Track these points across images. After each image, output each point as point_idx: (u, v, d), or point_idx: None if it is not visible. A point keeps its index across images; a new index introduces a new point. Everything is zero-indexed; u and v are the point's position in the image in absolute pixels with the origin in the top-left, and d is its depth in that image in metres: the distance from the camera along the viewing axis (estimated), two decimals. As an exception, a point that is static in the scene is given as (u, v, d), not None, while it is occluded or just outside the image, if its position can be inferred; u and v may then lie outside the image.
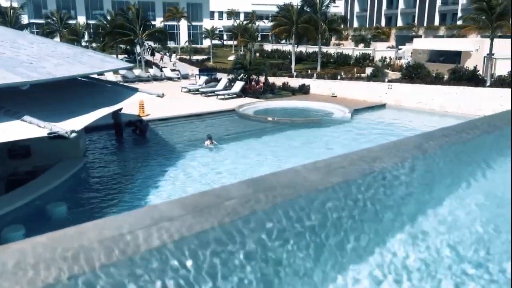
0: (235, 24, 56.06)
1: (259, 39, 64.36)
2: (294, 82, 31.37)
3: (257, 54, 52.39)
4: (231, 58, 44.49)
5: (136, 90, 14.66)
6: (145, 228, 2.28)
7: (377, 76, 31.66)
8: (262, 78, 30.48)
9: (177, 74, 38.25)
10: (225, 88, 28.70)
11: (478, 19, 27.92)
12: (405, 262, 2.52)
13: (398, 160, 3.12)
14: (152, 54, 52.75)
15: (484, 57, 30.66)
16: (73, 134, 8.74)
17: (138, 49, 42.64)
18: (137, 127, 18.06)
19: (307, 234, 2.48)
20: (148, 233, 2.24)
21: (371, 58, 43.47)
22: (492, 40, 27.84)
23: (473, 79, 26.67)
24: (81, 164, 13.25)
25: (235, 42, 60.73)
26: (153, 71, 38.23)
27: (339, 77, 32.16)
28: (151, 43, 50.24)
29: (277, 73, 35.35)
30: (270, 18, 55.05)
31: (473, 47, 34.25)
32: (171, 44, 67.05)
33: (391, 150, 3.35)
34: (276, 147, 16.38)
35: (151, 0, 71.40)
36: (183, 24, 68.79)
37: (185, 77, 37.97)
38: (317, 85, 30.51)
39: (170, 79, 37.30)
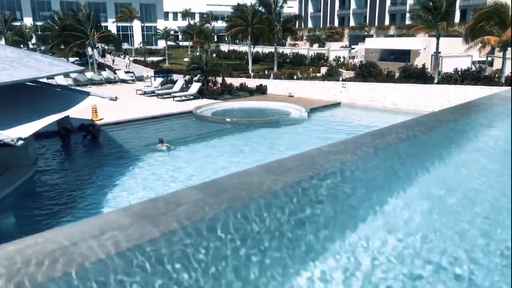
0: (190, 24, 55.53)
1: (215, 39, 64.05)
2: (252, 83, 31.47)
3: (214, 55, 52.15)
4: (187, 59, 44.00)
5: (87, 93, 14.16)
6: (92, 239, 2.18)
7: (332, 75, 32.36)
8: (219, 79, 30.37)
9: (132, 76, 37.37)
10: (182, 89, 28.35)
11: (425, 18, 29.13)
12: (355, 262, 2.55)
13: (348, 160, 3.17)
14: (103, 56, 51.38)
15: (432, 55, 32.06)
16: (20, 142, 8.33)
17: (89, 51, 41.27)
18: (89, 132, 17.43)
19: (258, 239, 2.46)
20: (94, 244, 2.14)
21: (325, 57, 44.35)
22: (438, 39, 29.14)
23: (422, 76, 27.80)
24: (30, 173, 12.65)
25: (191, 43, 60.14)
26: (106, 73, 37.14)
27: (295, 77, 32.57)
28: (103, 44, 48.84)
29: (235, 73, 35.34)
30: (225, 19, 54.95)
31: (421, 46, 35.72)
32: (124, 45, 65.48)
33: (341, 149, 3.40)
34: (235, 148, 16.34)
35: (102, 1, 69.38)
36: (137, 25, 67.38)
37: (140, 79, 37.18)
38: (274, 85, 30.76)
39: (124, 81, 36.37)
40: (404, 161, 3.74)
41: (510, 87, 15.83)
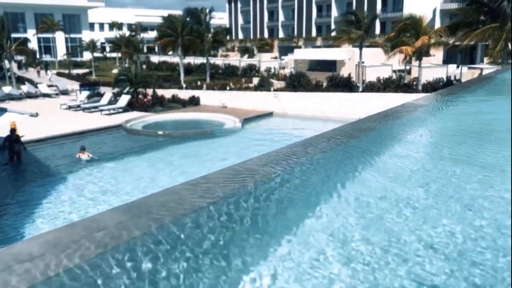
0: (118, 35, 53.88)
1: (145, 51, 62.67)
2: (184, 94, 31.12)
3: (144, 67, 50.94)
4: (116, 71, 42.53)
5: (4, 110, 13.12)
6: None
7: (264, 86, 32.94)
8: (150, 91, 29.66)
9: (55, 90, 35.33)
10: (110, 102, 27.30)
11: (348, 31, 30.71)
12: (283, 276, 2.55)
13: (277, 171, 3.19)
14: (19, 68, 48.35)
15: (356, 65, 33.81)
16: None
17: (6, 64, 38.46)
18: (14, 152, 15.89)
19: (184, 260, 2.37)
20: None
21: (257, 68, 45.08)
22: (361, 50, 30.81)
23: (348, 85, 29.21)
24: None
25: (119, 55, 58.34)
26: (26, 87, 34.77)
27: (228, 88, 32.72)
28: (23, 57, 45.88)
29: (166, 85, 34.74)
30: (155, 30, 54.02)
31: (346, 56, 37.54)
32: (46, 57, 61.96)
33: (271, 160, 3.41)
34: (168, 162, 15.95)
35: (20, 11, 65.19)
36: (60, 36, 64.06)
37: (65, 93, 35.25)
38: (207, 96, 30.66)
39: (47, 95, 34.26)
40: (332, 169, 3.84)
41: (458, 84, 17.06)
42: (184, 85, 34.96)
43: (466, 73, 30.43)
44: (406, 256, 2.68)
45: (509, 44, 25.09)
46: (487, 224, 3.20)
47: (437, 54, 38.56)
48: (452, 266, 2.61)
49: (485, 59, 36.30)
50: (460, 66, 33.48)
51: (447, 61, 40.72)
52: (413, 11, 30.10)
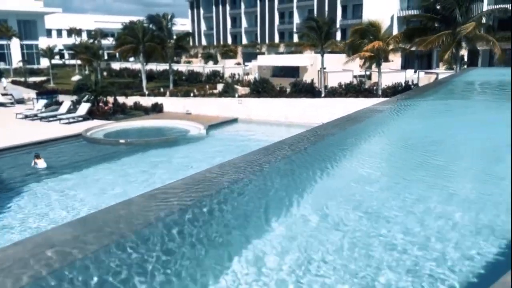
0: (77, 42, 52.44)
1: (105, 57, 61.27)
2: (147, 101, 30.58)
3: (105, 74, 49.79)
4: (75, 78, 41.32)
5: (-48, 121, 12.40)
6: None
7: (228, 92, 32.90)
8: (111, 99, 28.95)
9: (10, 99, 33.86)
10: (69, 111, 26.43)
11: (311, 36, 31.23)
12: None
13: (235, 179, 3.15)
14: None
15: (318, 71, 34.39)
16: None
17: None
18: None
19: (138, 274, 2.29)
20: None
21: (221, 74, 45.02)
22: (322, 56, 31.38)
23: (311, 90, 29.65)
24: None
25: (79, 62, 56.75)
26: (-22, 96, 33.14)
27: (192, 95, 32.44)
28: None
29: (128, 92, 34.02)
30: (115, 36, 52.97)
31: (309, 62, 38.12)
32: (1, 65, 59.53)
33: (231, 168, 3.38)
34: (129, 172, 15.54)
35: (-29, 16, 62.30)
36: (15, 43, 61.58)
37: (20, 101, 33.85)
38: (170, 103, 30.26)
39: (1, 105, 32.77)
40: (292, 176, 3.84)
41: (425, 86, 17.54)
42: (146, 92, 34.38)
43: (423, 77, 31.59)
44: (366, 257, 2.71)
45: (462, 50, 26.29)
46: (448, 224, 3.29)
47: (396, 60, 39.85)
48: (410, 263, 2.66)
49: (441, 64, 37.87)
50: (417, 71, 34.73)
51: (405, 66, 42.13)
52: (372, 18, 31.02)
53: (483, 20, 27.47)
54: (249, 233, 2.95)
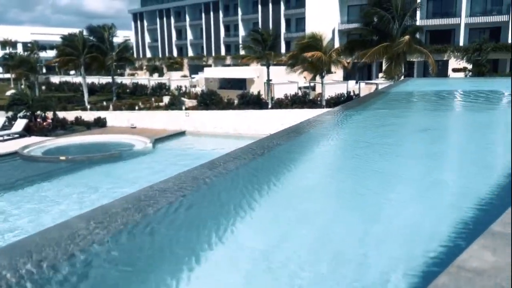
0: (10, 54, 49.60)
1: (43, 71, 58.44)
2: (89, 116, 29.41)
3: (43, 88, 47.46)
4: (10, 93, 38.98)
5: None
6: None
7: (175, 104, 32.44)
8: (50, 114, 27.57)
9: None
10: (4, 128, 24.84)
11: (255, 49, 31.64)
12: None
13: (178, 196, 3.04)
14: None
15: (264, 83, 34.84)
16: None
17: None
18: None
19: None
20: None
21: (167, 87, 44.36)
22: (268, 68, 31.86)
23: (258, 102, 29.93)
24: None
25: (14, 75, 53.68)
26: None
27: (137, 108, 31.65)
28: None
29: (68, 107, 32.60)
30: (54, 49, 50.71)
31: (255, 74, 38.55)
32: None
33: (174, 184, 3.26)
34: (71, 190, 14.76)
35: None
36: None
37: None
38: (114, 117, 29.30)
39: None
40: (237, 190, 3.79)
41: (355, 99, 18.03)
42: (88, 106, 33.11)
43: (364, 88, 32.93)
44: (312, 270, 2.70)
45: (399, 61, 27.75)
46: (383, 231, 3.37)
47: (338, 71, 41.28)
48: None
49: (380, 75, 39.71)
50: (358, 82, 36.18)
51: (347, 77, 43.76)
52: (314, 31, 31.96)
53: (417, 34, 29.17)
54: (192, 251, 2.85)
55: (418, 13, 36.08)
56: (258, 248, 3.08)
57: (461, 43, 42.70)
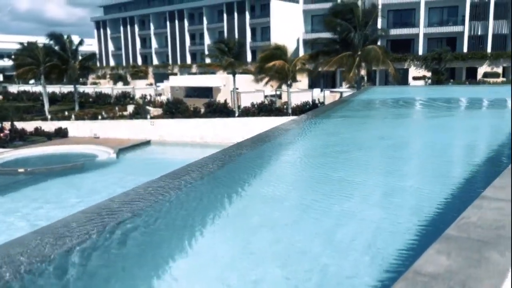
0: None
1: (1, 79, 56.21)
2: (49, 126, 28.47)
3: (0, 97, 45.66)
4: (-36, 103, 37.23)
5: None
6: None
7: (140, 113, 31.90)
8: (7, 125, 26.50)
9: None
10: (-43, 140, 23.66)
11: (221, 59, 31.68)
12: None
13: (139, 208, 2.98)
14: None
15: (231, 91, 34.86)
16: None
17: None
18: None
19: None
20: None
21: (132, 96, 43.59)
22: (234, 77, 31.93)
23: (225, 110, 29.88)
24: None
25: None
26: None
27: (100, 117, 30.92)
28: None
29: (27, 117, 31.41)
30: (13, 57, 48.87)
31: (221, 83, 38.52)
32: None
33: (134, 197, 3.19)
34: (29, 204, 14.20)
35: None
36: None
37: None
38: (76, 127, 28.52)
39: None
40: (200, 200, 3.75)
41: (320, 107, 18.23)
42: (49, 116, 32.04)
43: (328, 96, 33.54)
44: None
45: (361, 70, 28.49)
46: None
47: (304, 80, 41.85)
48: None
49: (344, 83, 40.60)
50: (323, 90, 36.82)
51: (312, 86, 44.42)
52: (279, 41, 32.36)
53: (379, 43, 30.05)
54: (152, 265, 2.78)
55: (379, 23, 37.25)
56: (222, 257, 3.05)
57: (420, 52, 44.33)
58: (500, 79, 39.77)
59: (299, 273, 2.84)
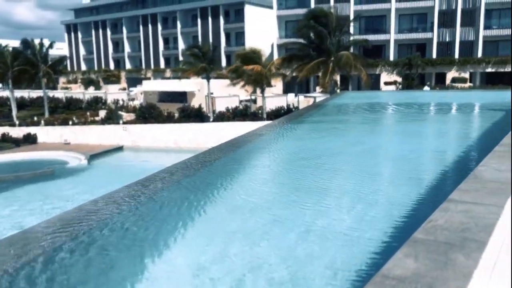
0: None
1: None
2: (17, 132, 27.63)
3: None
4: None
5: None
6: None
7: (112, 118, 31.35)
8: (-28, 131, 25.55)
9: None
10: None
11: (194, 63, 31.54)
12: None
13: (107, 217, 2.90)
14: None
15: (206, 96, 34.72)
16: None
17: None
18: None
19: None
20: None
21: (104, 101, 42.82)
22: (208, 81, 31.83)
23: (199, 115, 29.71)
24: None
25: None
26: None
27: (71, 123, 30.23)
28: None
29: (-6, 123, 30.40)
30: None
31: (196, 87, 38.31)
32: None
33: (102, 205, 3.11)
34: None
35: None
36: None
37: None
38: (46, 133, 27.76)
39: None
40: (172, 207, 3.69)
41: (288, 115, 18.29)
42: (17, 122, 31.09)
43: (302, 101, 33.86)
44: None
45: (335, 75, 28.90)
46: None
47: (278, 85, 42.11)
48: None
49: (317, 88, 41.07)
50: (297, 95, 37.14)
51: (287, 91, 44.77)
52: (254, 46, 32.46)
53: (351, 49, 30.56)
54: (121, 275, 2.72)
55: (351, 29, 37.94)
56: (193, 265, 3.01)
57: (391, 58, 45.37)
58: (468, 84, 41.11)
59: (268, 281, 2.83)
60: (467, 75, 42.55)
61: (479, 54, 42.10)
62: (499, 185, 3.09)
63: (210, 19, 58.67)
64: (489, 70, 41.99)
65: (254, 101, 36.54)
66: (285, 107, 30.15)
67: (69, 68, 71.31)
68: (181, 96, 38.15)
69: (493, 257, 2.11)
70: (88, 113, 36.12)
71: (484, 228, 2.27)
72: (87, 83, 57.09)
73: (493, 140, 5.36)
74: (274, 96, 35.22)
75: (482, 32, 41.72)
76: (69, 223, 2.84)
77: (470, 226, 2.29)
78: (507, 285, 2.09)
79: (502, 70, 41.54)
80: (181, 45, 61.41)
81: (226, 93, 35.11)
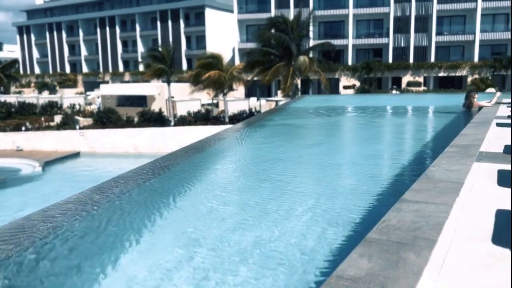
0: None
1: None
2: (-36, 139, 26.15)
3: None
4: None
5: None
6: None
7: (68, 123, 30.29)
8: None
9: None
10: None
11: (154, 66, 31.04)
12: None
13: (58, 226, 2.78)
14: None
15: (166, 100, 34.21)
16: None
17: None
18: None
19: None
20: None
21: (59, 105, 41.30)
22: (169, 85, 31.40)
23: (160, 119, 29.22)
24: None
25: None
26: None
27: (24, 128, 28.94)
28: None
29: None
30: None
31: (156, 91, 37.66)
32: None
33: (54, 213, 2.98)
34: None
35: None
36: None
37: None
38: (-4, 140, 26.43)
39: None
40: (128, 215, 3.59)
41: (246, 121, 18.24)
42: (-36, 128, 29.42)
43: (264, 104, 34.08)
44: None
45: (296, 79, 29.30)
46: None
47: (240, 89, 42.19)
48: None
49: (279, 92, 41.46)
50: (259, 99, 37.33)
51: (248, 94, 44.93)
52: (215, 49, 32.38)
53: (311, 54, 31.08)
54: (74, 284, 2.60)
55: (311, 34, 38.60)
56: (150, 274, 2.93)
57: (349, 62, 46.54)
58: (422, 88, 42.83)
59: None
60: (421, 79, 44.32)
61: (432, 59, 43.99)
62: (449, 184, 3.21)
63: (170, 22, 58.01)
64: (441, 74, 43.94)
65: (216, 105, 36.39)
66: (247, 111, 30.23)
67: (21, 72, 68.42)
68: (141, 100, 37.38)
69: (442, 254, 2.18)
70: (42, 118, 34.68)
71: (434, 227, 2.35)
72: (41, 87, 54.94)
73: (445, 141, 5.59)
74: (236, 100, 35.23)
75: (434, 38, 43.64)
76: (13, 235, 2.70)
77: (421, 225, 2.36)
78: (455, 281, 2.17)
79: (453, 74, 43.61)
80: (141, 48, 60.35)
81: (187, 97, 34.77)
